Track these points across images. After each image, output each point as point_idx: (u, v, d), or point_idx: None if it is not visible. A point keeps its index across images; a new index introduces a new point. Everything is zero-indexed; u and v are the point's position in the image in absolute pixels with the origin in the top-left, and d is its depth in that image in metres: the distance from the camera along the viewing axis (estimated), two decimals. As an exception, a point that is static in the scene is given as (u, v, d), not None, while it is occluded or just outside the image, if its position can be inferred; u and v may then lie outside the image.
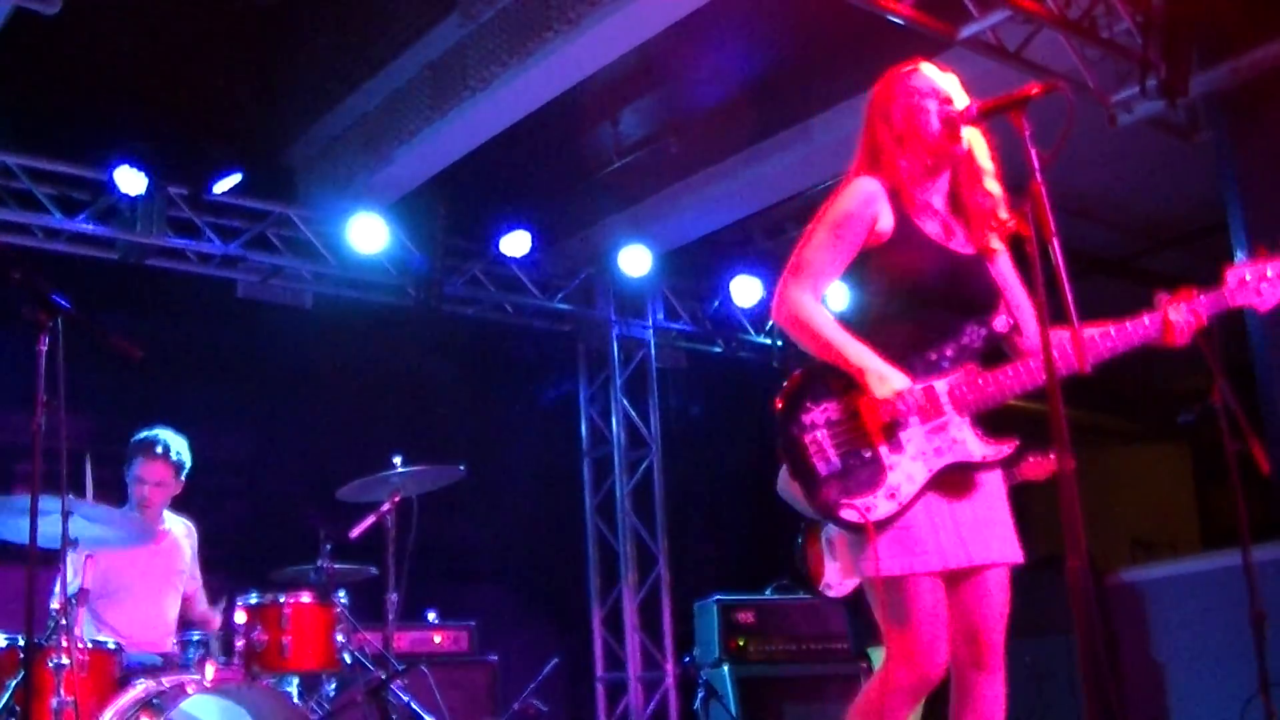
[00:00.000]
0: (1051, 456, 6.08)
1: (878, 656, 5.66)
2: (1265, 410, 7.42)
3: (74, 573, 5.45)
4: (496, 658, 8.75)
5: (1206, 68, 7.74)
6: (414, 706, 6.68)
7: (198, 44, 8.77)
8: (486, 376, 11.11)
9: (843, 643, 8.83)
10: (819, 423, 3.80)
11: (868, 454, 3.75)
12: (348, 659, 6.42)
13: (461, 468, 6.99)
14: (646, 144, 9.53)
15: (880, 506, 3.70)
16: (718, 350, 11.82)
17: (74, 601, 5.23)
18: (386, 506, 6.86)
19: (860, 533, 3.70)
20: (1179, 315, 3.72)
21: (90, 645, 5.48)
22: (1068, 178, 9.07)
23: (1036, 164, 3.24)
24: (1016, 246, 3.91)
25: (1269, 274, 3.76)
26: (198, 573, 6.97)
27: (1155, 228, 11.11)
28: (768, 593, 9.28)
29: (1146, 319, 3.72)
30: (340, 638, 6.31)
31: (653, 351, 11.46)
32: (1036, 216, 3.19)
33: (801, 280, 3.86)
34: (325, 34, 9.17)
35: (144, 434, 6.67)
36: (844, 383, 3.79)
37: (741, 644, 9.00)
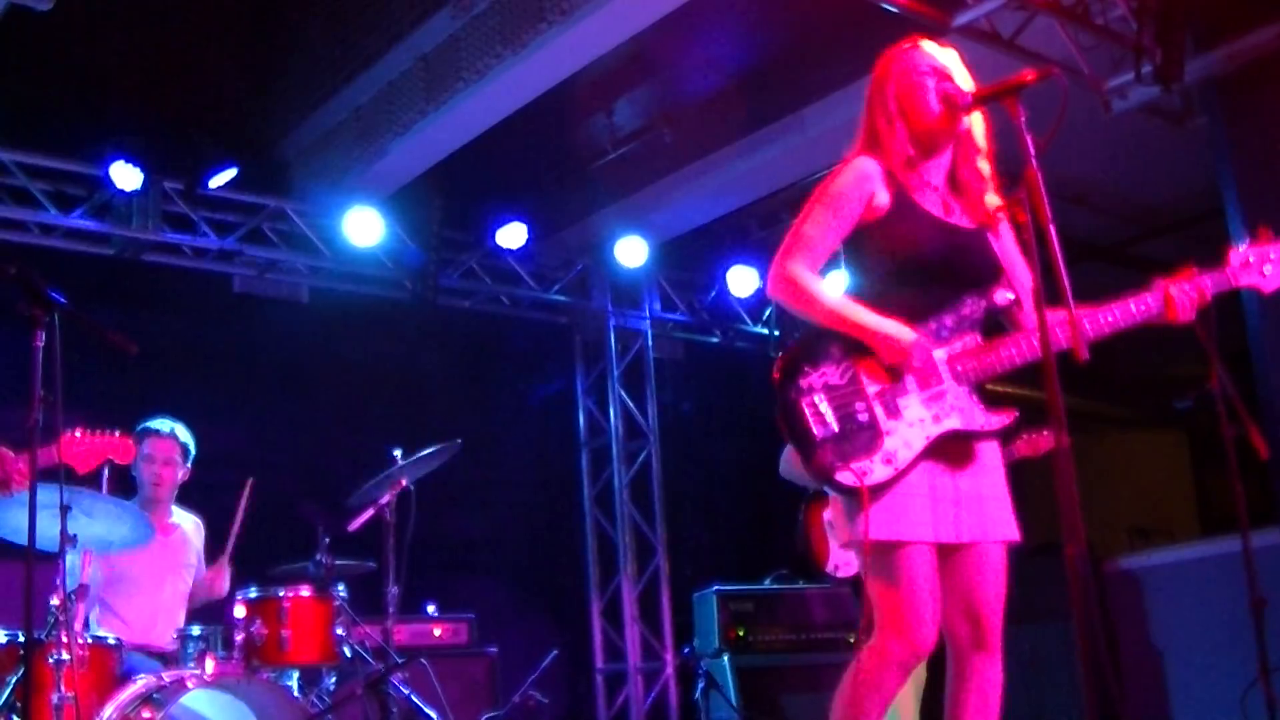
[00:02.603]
0: (1045, 433, 6.13)
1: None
2: (1262, 395, 7.42)
3: (74, 568, 5.46)
4: (496, 650, 8.75)
5: (1201, 53, 7.74)
6: (414, 699, 6.68)
7: (191, 38, 8.76)
8: (483, 368, 11.10)
9: (842, 631, 8.87)
10: (816, 386, 3.80)
11: (865, 418, 3.75)
12: (347, 652, 6.43)
13: (459, 441, 6.95)
14: (641, 135, 9.51)
15: (876, 471, 3.70)
16: (715, 340, 11.84)
17: (73, 597, 5.22)
18: (385, 499, 6.85)
19: (855, 497, 3.69)
20: (1181, 292, 3.72)
21: (90, 641, 5.47)
22: (1063, 164, 9.09)
23: (1032, 150, 3.25)
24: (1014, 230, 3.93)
25: (1273, 256, 3.77)
26: (205, 566, 6.98)
27: (1150, 214, 11.11)
28: (766, 582, 9.29)
29: (1149, 296, 3.71)
30: (340, 631, 6.31)
31: (649, 342, 11.45)
32: (1033, 202, 3.20)
33: (797, 254, 3.88)
34: (318, 27, 9.16)
35: (146, 422, 6.71)
36: (844, 347, 3.82)
37: (741, 634, 9.01)
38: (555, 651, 8.55)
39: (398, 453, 6.78)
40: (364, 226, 9.47)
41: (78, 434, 5.21)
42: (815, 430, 3.76)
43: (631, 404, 11.33)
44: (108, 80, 8.54)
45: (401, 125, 8.70)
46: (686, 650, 9.28)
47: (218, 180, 9.00)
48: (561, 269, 11.08)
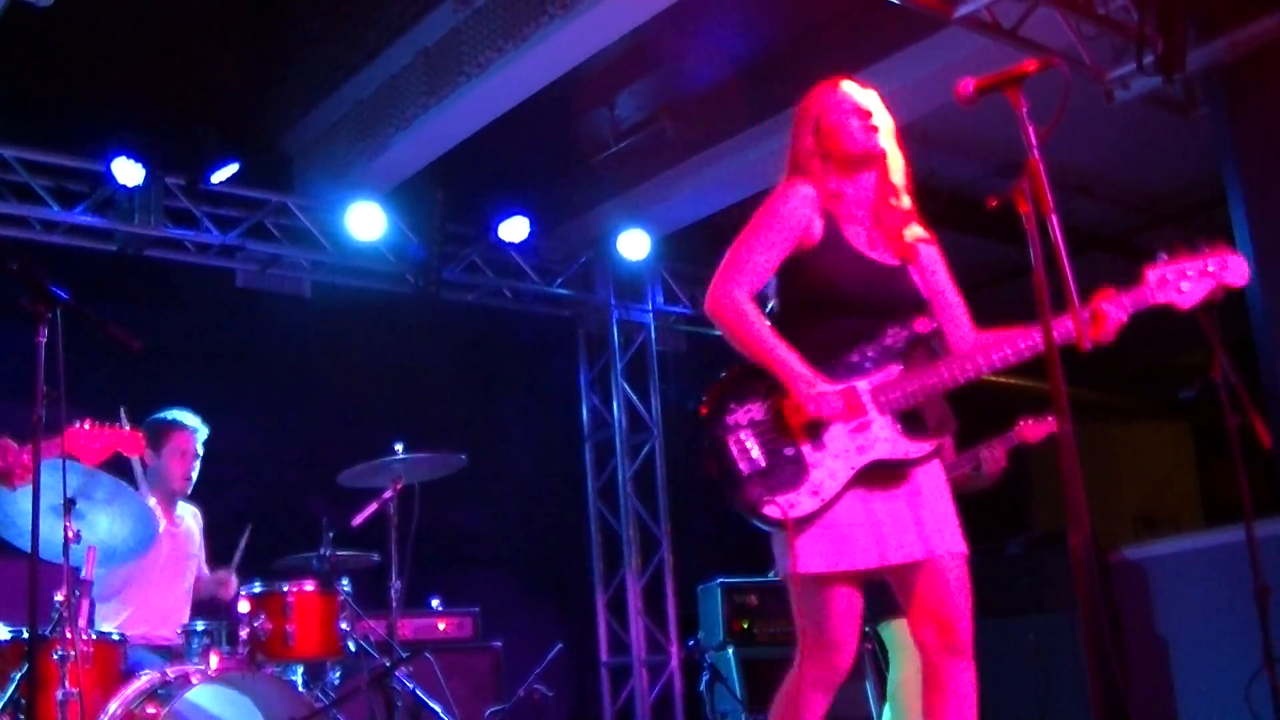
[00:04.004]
0: (1048, 419, 6.13)
1: (888, 633, 5.66)
2: (1266, 385, 7.41)
3: (77, 565, 5.45)
4: (500, 644, 8.76)
5: (1203, 42, 7.72)
6: (419, 693, 6.69)
7: (192, 34, 8.76)
8: (486, 362, 11.10)
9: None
10: (742, 423, 3.90)
11: (790, 452, 3.83)
12: (352, 647, 6.42)
13: (463, 456, 6.99)
14: (643, 128, 9.51)
15: (803, 503, 3.78)
16: (717, 333, 11.78)
17: (77, 593, 5.22)
18: (388, 494, 6.85)
19: (782, 529, 3.78)
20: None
21: (94, 637, 5.47)
22: (1065, 154, 9.09)
23: (1034, 140, 3.24)
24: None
25: (1189, 273, 3.79)
26: (205, 560, 6.98)
27: (1153, 203, 11.10)
28: (771, 575, 9.25)
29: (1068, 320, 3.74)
30: (344, 625, 6.31)
31: (653, 335, 11.45)
32: (1034, 193, 3.19)
33: (736, 278, 3.96)
34: (320, 22, 9.16)
35: (167, 415, 6.69)
36: (768, 384, 3.89)
37: (745, 626, 9.02)
38: (560, 645, 8.56)
39: (399, 446, 6.79)
40: (366, 221, 9.46)
41: (85, 426, 5.21)
42: (741, 467, 3.86)
43: (635, 397, 11.32)
44: (109, 76, 8.54)
45: (403, 119, 8.70)
46: (691, 643, 9.29)
47: (220, 175, 8.99)
48: (564, 262, 11.07)
